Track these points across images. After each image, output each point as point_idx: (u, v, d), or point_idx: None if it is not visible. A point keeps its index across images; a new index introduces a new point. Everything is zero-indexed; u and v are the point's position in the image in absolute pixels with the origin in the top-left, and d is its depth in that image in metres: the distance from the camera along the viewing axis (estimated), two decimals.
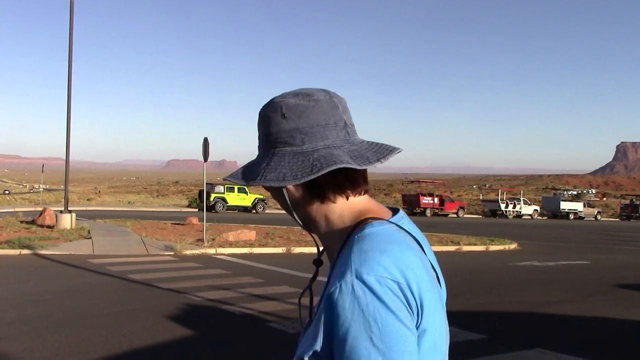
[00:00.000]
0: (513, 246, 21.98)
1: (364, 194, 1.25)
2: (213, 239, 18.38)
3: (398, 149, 1.22)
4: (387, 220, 1.20)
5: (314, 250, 17.87)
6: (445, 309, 1.22)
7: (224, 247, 17.02)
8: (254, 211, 42.23)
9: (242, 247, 17.36)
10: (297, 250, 17.60)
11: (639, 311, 10.17)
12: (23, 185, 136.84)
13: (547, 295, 11.50)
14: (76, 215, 23.29)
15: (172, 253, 15.77)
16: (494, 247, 21.20)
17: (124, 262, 13.97)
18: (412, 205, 48.96)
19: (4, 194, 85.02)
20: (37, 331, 7.55)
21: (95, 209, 42.29)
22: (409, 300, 1.07)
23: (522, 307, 10.01)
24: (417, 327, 1.09)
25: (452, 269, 15.18)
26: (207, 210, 39.07)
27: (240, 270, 13.33)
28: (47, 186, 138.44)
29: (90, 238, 18.03)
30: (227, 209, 41.17)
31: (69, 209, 23.26)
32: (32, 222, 23.71)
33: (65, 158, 23.21)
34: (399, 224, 1.21)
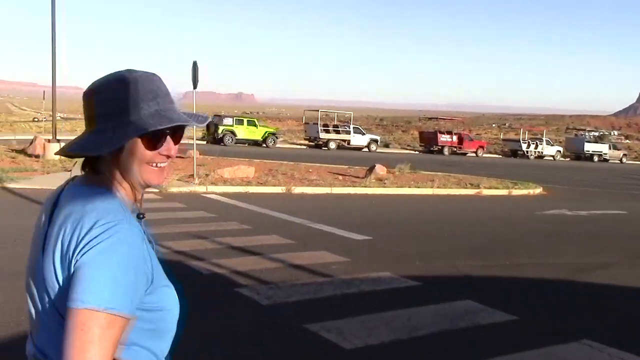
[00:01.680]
0: (538, 191, 20.04)
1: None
2: (207, 175, 16.65)
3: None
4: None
5: (317, 190, 16.11)
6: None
7: (216, 185, 15.28)
8: (265, 145, 40.33)
9: (238, 185, 15.61)
10: (299, 190, 15.82)
11: None
12: (40, 113, 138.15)
13: (588, 256, 9.65)
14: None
15: (157, 190, 14.06)
16: (517, 192, 19.27)
17: None
18: (429, 143, 46.85)
19: (34, 121, 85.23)
20: None
21: None
22: None
23: (558, 273, 8.17)
24: None
25: (471, 218, 13.35)
26: (215, 143, 37.57)
27: (227, 214, 11.62)
28: (64, 115, 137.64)
29: (70, 170, 16.33)
30: (236, 143, 39.31)
31: (58, 138, 21.68)
32: (22, 151, 22.25)
33: (52, 84, 21.43)
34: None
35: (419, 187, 17.84)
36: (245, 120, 41.22)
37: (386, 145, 50.94)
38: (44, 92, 38.99)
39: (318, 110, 44.82)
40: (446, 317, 5.91)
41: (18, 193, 12.78)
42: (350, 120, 46.50)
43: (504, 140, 59.25)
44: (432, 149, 46.45)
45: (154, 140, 1.39)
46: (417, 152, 46.50)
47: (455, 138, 46.51)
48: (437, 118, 53.25)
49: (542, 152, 50.91)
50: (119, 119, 1.36)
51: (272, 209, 12.26)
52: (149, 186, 1.46)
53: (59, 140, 21.16)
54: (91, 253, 1.27)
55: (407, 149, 49.57)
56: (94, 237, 1.28)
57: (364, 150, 43.42)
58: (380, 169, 20.06)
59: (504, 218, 13.70)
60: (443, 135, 46.21)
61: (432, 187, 17.97)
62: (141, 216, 1.51)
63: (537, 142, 51.36)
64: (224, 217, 11.15)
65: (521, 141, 50.96)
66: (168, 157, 1.43)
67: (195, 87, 15.06)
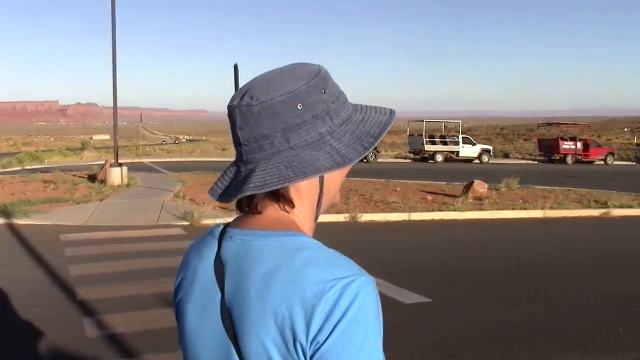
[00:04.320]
0: None
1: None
2: None
3: None
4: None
5: (391, 217, 12.94)
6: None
7: None
8: (365, 160, 37.42)
9: None
10: (367, 217, 12.69)
11: None
12: (169, 136, 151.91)
13: None
14: (128, 169, 19.99)
15: (187, 223, 11.51)
16: None
17: (102, 240, 9.92)
18: (550, 152, 41.90)
19: (162, 144, 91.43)
20: None
21: (195, 159, 39.53)
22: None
23: None
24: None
25: (593, 254, 9.62)
26: None
27: None
28: (190, 137, 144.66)
29: (102, 200, 14.28)
30: None
31: (120, 161, 20.07)
32: (92, 177, 20.86)
33: (114, 105, 19.76)
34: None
35: (525, 209, 14.13)
36: None
37: (506, 155, 46.87)
38: (140, 114, 38.00)
39: (423, 120, 41.26)
40: None
41: (19, 232, 10.65)
42: (459, 129, 42.57)
43: (637, 144, 52.55)
44: (553, 158, 41.54)
45: None
46: (536, 162, 41.78)
47: (579, 145, 41.23)
48: (558, 124, 47.61)
49: None
50: (329, 122, 1.05)
51: None
52: None
53: (120, 164, 19.57)
54: (342, 327, 0.91)
55: (526, 159, 44.89)
56: (336, 303, 0.91)
57: (475, 162, 39.47)
58: (479, 186, 16.50)
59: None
60: (565, 142, 41.05)
61: (543, 208, 14.21)
62: None
63: None
64: None
65: None
66: None
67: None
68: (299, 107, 1.01)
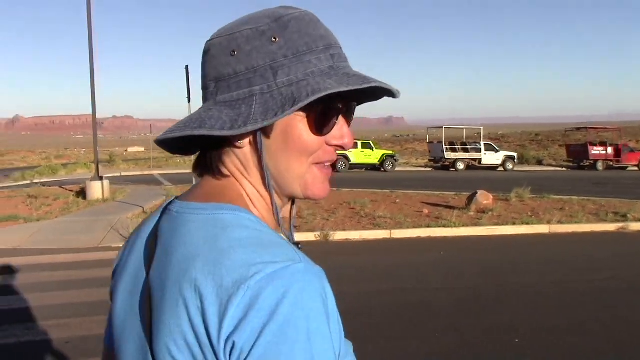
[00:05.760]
0: None
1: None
2: None
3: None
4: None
5: (370, 235, 11.43)
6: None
7: None
8: (382, 169, 35.82)
9: None
10: (340, 236, 11.16)
11: None
12: None
13: None
14: (110, 181, 18.88)
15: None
16: None
17: (18, 267, 8.64)
18: (578, 158, 39.75)
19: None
20: None
21: None
22: None
23: None
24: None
25: (584, 283, 7.90)
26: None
27: None
28: None
29: (57, 217, 13.11)
30: (350, 168, 35.18)
31: (100, 175, 18.95)
32: (82, 191, 19.87)
33: (92, 115, 18.64)
34: None
35: (528, 223, 12.42)
36: (359, 142, 37.07)
37: (539, 162, 45.04)
38: (150, 125, 37.16)
39: (442, 127, 39.50)
40: None
41: None
42: (481, 136, 40.70)
43: None
44: (582, 164, 39.40)
45: (323, 119, 0.84)
46: (565, 169, 39.67)
47: (610, 150, 38.96)
48: (587, 128, 45.30)
49: None
50: (270, 78, 0.82)
51: None
52: (305, 199, 0.91)
53: (101, 178, 18.48)
54: (274, 330, 0.69)
55: (556, 166, 42.77)
56: (259, 294, 0.70)
57: (498, 169, 37.59)
58: (483, 197, 14.86)
59: None
60: (595, 148, 38.83)
61: (549, 223, 12.49)
62: (299, 247, 0.88)
63: None
64: None
65: None
66: (338, 149, 0.90)
67: (189, 99, 11.00)
68: (233, 53, 0.83)
